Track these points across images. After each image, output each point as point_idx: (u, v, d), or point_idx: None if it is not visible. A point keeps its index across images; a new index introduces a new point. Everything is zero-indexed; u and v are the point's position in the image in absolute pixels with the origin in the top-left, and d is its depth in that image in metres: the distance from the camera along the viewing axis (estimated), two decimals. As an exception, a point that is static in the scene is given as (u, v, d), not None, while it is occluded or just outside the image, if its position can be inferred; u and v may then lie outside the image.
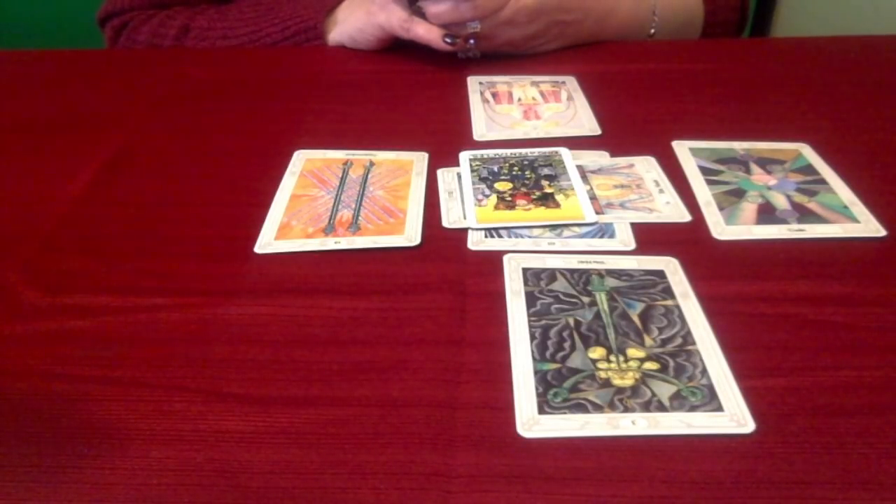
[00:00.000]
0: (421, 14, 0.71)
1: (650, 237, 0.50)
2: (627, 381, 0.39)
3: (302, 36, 0.79)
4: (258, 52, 0.79)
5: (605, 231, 0.50)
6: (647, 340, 0.41)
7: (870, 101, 0.68)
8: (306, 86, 0.72)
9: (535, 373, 0.39)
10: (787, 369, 0.40)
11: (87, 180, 0.57)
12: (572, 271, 0.46)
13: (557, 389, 0.38)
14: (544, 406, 0.37)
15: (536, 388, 0.38)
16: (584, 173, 0.56)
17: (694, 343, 0.41)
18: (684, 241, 0.49)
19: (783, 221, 0.51)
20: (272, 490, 0.34)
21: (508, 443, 0.36)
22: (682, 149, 0.59)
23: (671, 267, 0.47)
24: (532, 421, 0.36)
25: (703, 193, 0.54)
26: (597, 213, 0.52)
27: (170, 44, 0.83)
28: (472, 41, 0.72)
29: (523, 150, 0.59)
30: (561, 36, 0.76)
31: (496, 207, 0.52)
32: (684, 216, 0.52)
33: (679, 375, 0.39)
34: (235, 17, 0.81)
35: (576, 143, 0.60)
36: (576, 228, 0.51)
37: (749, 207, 0.52)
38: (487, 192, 0.54)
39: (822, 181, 0.55)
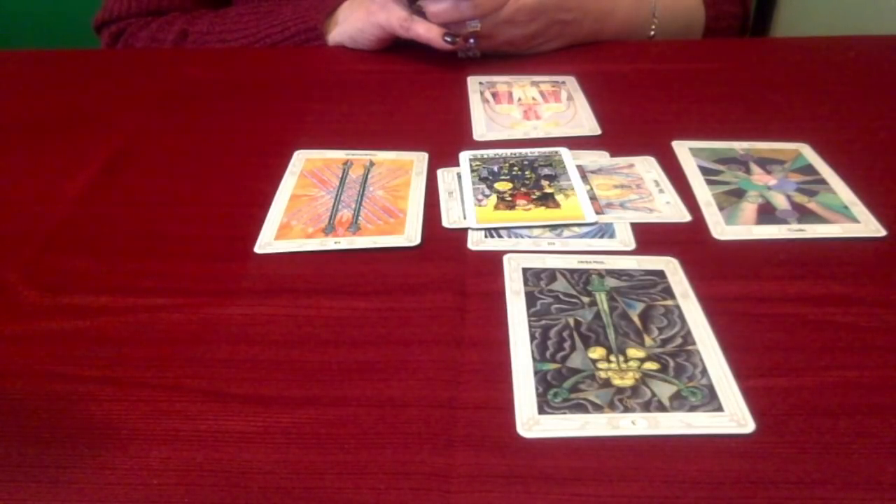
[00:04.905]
0: (421, 13, 0.71)
1: (650, 237, 0.50)
2: (627, 381, 0.39)
3: (302, 36, 0.79)
4: (258, 53, 0.79)
5: (605, 231, 0.50)
6: (647, 340, 0.41)
7: (870, 101, 0.68)
8: (306, 86, 0.72)
9: (535, 373, 0.39)
10: (787, 369, 0.40)
11: (87, 180, 0.57)
12: (572, 271, 0.46)
13: (557, 389, 0.38)
14: (544, 406, 0.37)
15: (536, 388, 0.38)
16: (584, 173, 0.56)
17: (694, 343, 0.41)
18: (684, 241, 0.49)
19: (783, 221, 0.51)
20: (272, 490, 0.34)
21: (508, 443, 0.36)
22: (682, 149, 0.59)
23: (671, 267, 0.47)
24: (532, 421, 0.36)
25: (703, 193, 0.54)
26: (597, 213, 0.52)
27: (169, 46, 0.83)
28: (472, 40, 0.72)
29: (523, 150, 0.59)
30: (560, 35, 0.76)
31: (496, 207, 0.52)
32: (684, 216, 0.52)
33: (679, 375, 0.39)
34: (234, 20, 0.81)
35: (576, 143, 0.60)
36: (576, 228, 0.51)
37: (749, 207, 0.52)
38: (487, 192, 0.54)
39: (822, 181, 0.55)
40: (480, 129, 0.63)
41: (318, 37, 0.78)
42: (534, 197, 0.53)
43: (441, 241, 0.50)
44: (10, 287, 0.46)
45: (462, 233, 0.50)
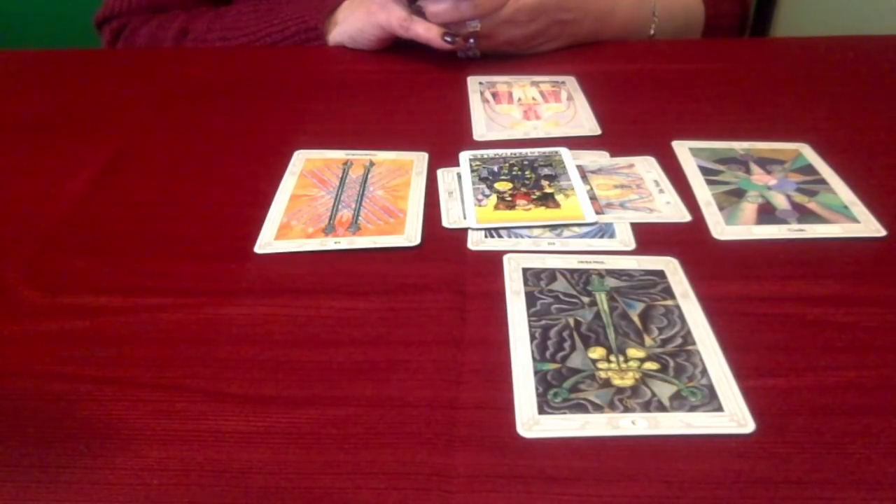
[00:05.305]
0: (421, 13, 0.71)
1: (650, 237, 0.50)
2: (627, 381, 0.39)
3: (302, 36, 0.79)
4: (258, 52, 0.79)
5: (605, 231, 0.50)
6: (647, 340, 0.41)
7: (870, 101, 0.68)
8: (306, 86, 0.72)
9: (535, 373, 0.39)
10: (787, 369, 0.40)
11: (87, 180, 0.57)
12: (572, 271, 0.46)
13: (557, 389, 0.38)
14: (544, 406, 0.37)
15: (536, 388, 0.38)
16: (584, 173, 0.56)
17: (694, 343, 0.41)
18: (684, 241, 0.49)
19: (783, 221, 0.51)
20: (272, 490, 0.34)
21: (508, 443, 0.36)
22: (682, 149, 0.59)
23: (671, 267, 0.47)
24: (532, 421, 0.36)
25: (703, 193, 0.54)
26: (597, 213, 0.52)
27: (168, 46, 0.83)
28: (471, 40, 0.72)
29: (523, 150, 0.59)
30: (560, 35, 0.76)
31: (496, 207, 0.52)
32: (684, 216, 0.52)
33: (679, 375, 0.39)
34: (233, 18, 0.81)
35: (576, 143, 0.60)
36: (576, 228, 0.51)
37: (749, 207, 0.52)
38: (487, 192, 0.54)
39: (822, 181, 0.55)
40: (480, 129, 0.63)
41: (319, 37, 0.78)
42: (534, 197, 0.53)
43: (441, 241, 0.50)
44: (10, 287, 0.46)
45: (462, 233, 0.50)
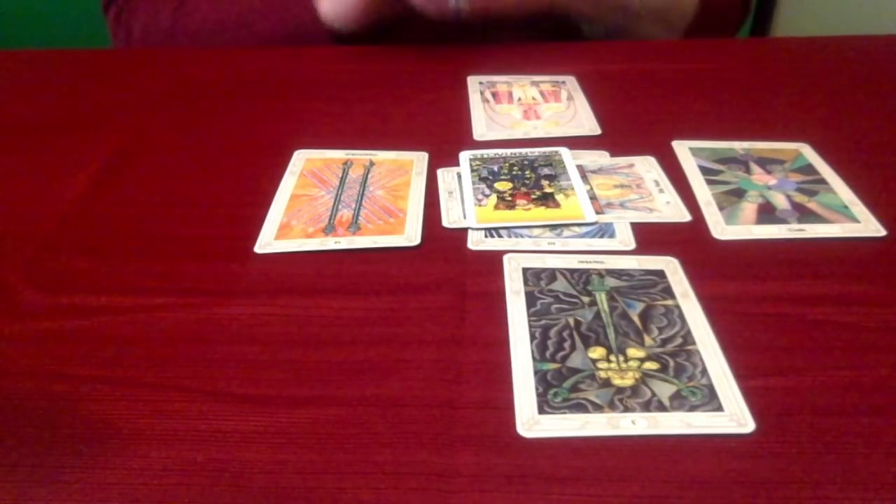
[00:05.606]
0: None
1: (650, 237, 0.50)
2: (627, 380, 0.39)
3: (294, 10, 0.79)
4: (258, 52, 0.79)
5: (605, 231, 0.50)
6: (647, 340, 0.41)
7: (870, 101, 0.68)
8: (306, 86, 0.72)
9: (535, 373, 0.39)
10: (787, 369, 0.40)
11: (87, 180, 0.57)
12: (572, 271, 0.46)
13: (557, 389, 0.38)
14: (544, 406, 0.37)
15: (536, 388, 0.38)
16: (584, 173, 0.56)
17: (694, 343, 0.41)
18: (684, 240, 0.49)
19: (783, 221, 0.51)
20: (272, 490, 0.34)
21: (508, 443, 0.36)
22: (682, 149, 0.59)
23: (671, 267, 0.47)
24: (532, 421, 0.36)
25: (703, 193, 0.54)
26: (597, 212, 0.52)
27: (167, 15, 0.83)
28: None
29: (523, 150, 0.59)
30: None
31: (496, 207, 0.52)
32: (684, 216, 0.52)
33: (679, 375, 0.39)
34: None
35: (576, 142, 0.60)
36: (576, 228, 0.51)
37: (749, 207, 0.52)
38: (487, 191, 0.54)
39: (822, 181, 0.55)
40: (480, 128, 0.63)
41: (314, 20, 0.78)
42: (534, 197, 0.53)
43: (441, 240, 0.50)
44: (10, 287, 0.46)
45: (462, 233, 0.50)
